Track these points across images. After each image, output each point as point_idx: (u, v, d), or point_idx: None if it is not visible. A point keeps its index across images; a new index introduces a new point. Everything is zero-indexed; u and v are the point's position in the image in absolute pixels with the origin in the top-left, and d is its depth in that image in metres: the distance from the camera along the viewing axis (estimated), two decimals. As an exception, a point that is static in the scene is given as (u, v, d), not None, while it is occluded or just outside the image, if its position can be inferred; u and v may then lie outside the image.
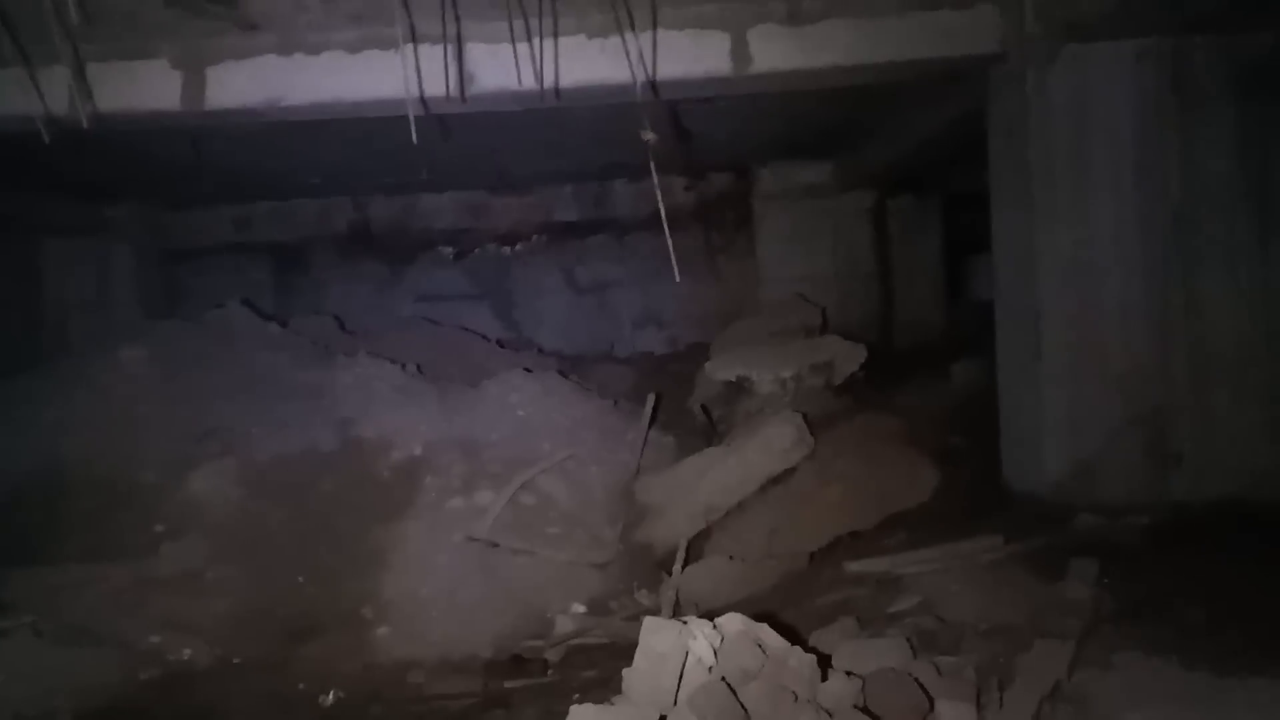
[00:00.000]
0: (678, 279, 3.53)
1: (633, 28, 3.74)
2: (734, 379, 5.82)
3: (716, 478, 4.90)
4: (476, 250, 9.59)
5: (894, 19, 4.23)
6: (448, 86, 3.85)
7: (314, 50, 4.26)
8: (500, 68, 3.93)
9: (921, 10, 4.23)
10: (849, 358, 5.71)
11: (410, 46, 4.09)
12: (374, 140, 6.61)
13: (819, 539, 4.48)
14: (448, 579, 4.41)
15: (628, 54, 3.59)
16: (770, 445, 4.92)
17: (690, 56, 4.15)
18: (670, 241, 3.55)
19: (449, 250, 9.63)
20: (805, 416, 5.10)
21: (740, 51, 4.27)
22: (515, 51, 3.40)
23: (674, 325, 9.16)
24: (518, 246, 9.53)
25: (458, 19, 3.80)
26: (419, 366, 6.41)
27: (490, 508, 4.74)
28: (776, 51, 4.29)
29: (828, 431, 5.10)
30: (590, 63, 4.01)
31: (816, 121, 6.44)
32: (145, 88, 4.27)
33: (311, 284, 9.77)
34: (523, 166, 8.10)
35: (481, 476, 5.00)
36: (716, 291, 8.81)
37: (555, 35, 3.78)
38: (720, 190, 8.81)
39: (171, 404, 5.44)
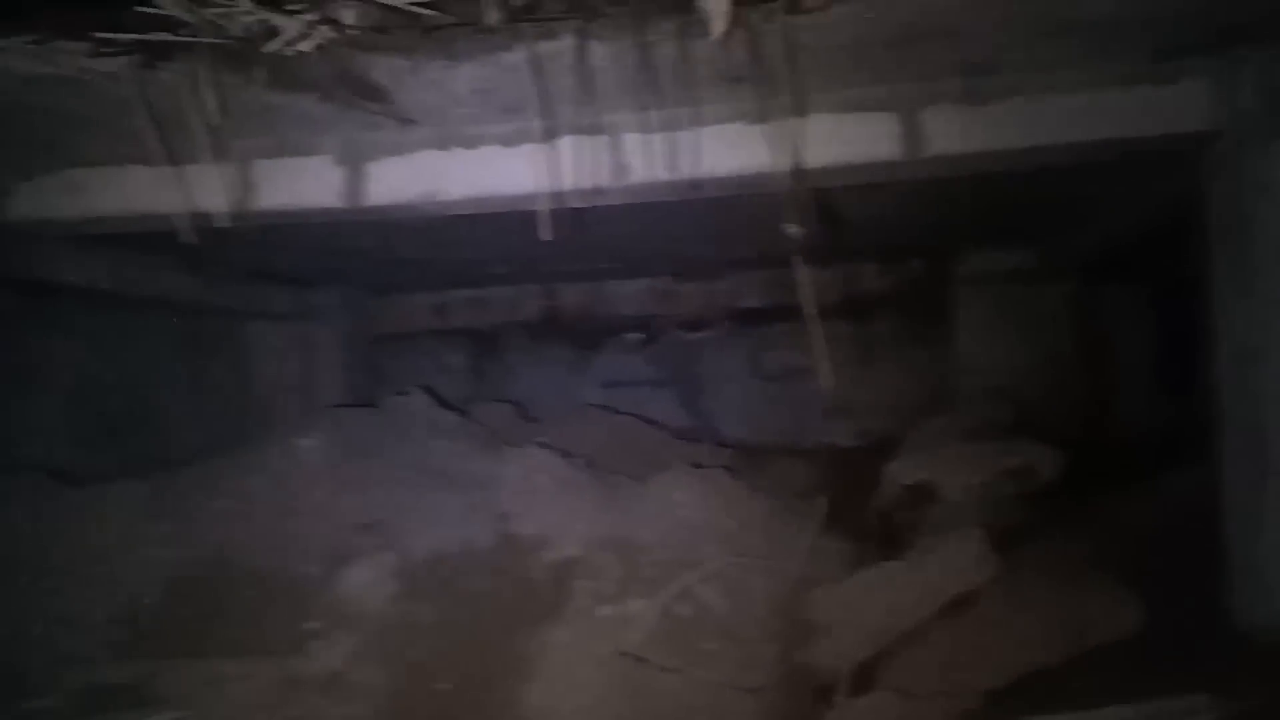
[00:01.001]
0: (824, 382, 3.21)
1: (787, 114, 3.49)
2: (918, 483, 5.35)
3: (890, 596, 4.45)
4: (662, 337, 9.47)
5: (1085, 95, 3.80)
6: (595, 178, 3.71)
7: (470, 144, 4.22)
8: (647, 158, 3.75)
9: (1117, 86, 3.78)
10: (1046, 463, 5.16)
11: (566, 139, 4.01)
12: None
13: (1000, 675, 3.95)
14: (591, 696, 4.15)
15: (780, 141, 3.33)
16: (951, 563, 4.44)
17: (853, 140, 3.86)
18: (823, 336, 3.28)
19: (635, 336, 9.55)
20: (993, 529, 4.59)
21: (912, 134, 3.94)
22: (659, 141, 3.21)
23: (864, 416, 8.69)
24: (704, 333, 9.34)
25: (599, 109, 3.65)
26: (588, 458, 6.26)
27: (641, 618, 4.46)
28: (953, 133, 3.94)
29: (1017, 549, 4.56)
30: (741, 151, 3.77)
31: (1010, 205, 5.97)
32: (309, 184, 4.34)
33: (503, 369, 9.92)
34: (704, 253, 7.95)
35: (636, 581, 4.73)
36: (910, 382, 8.32)
37: (703, 124, 3.57)
38: (914, 276, 8.36)
39: (339, 493, 5.47)
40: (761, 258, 8.20)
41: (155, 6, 3.03)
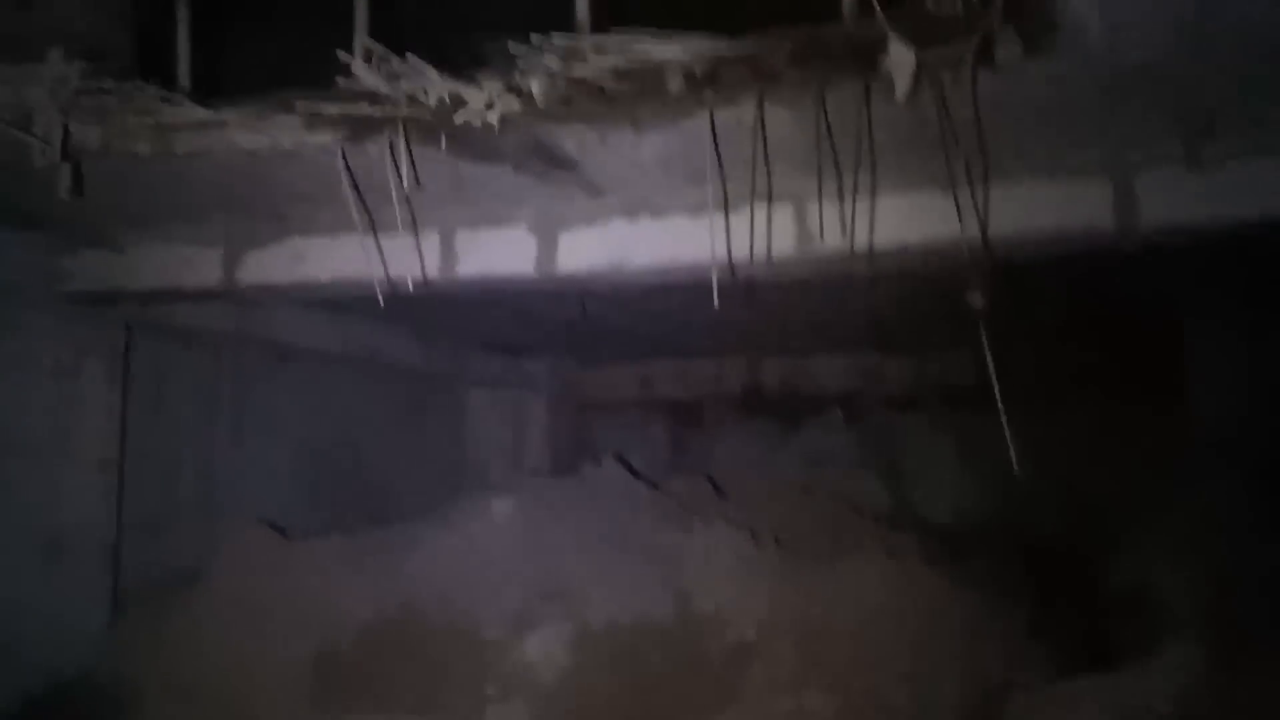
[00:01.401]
0: (1021, 467, 2.96)
1: (978, 178, 3.29)
2: (1134, 583, 4.88)
3: (1099, 711, 4.04)
4: (866, 414, 9.17)
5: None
6: (778, 248, 3.62)
7: (658, 213, 4.22)
8: (829, 226, 3.61)
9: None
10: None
11: (753, 207, 3.94)
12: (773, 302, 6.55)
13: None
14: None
15: (969, 209, 3.14)
16: (1171, 677, 3.99)
17: (1053, 207, 3.60)
18: (1020, 416, 3.04)
19: (838, 413, 9.30)
20: (1222, 640, 4.11)
21: (1125, 202, 3.65)
22: (842, 209, 3.10)
23: (1077, 504, 8.03)
24: (910, 412, 8.98)
25: (783, 176, 3.57)
26: (776, 536, 6.07)
27: (819, 715, 4.23)
28: (1175, 201, 3.62)
29: (1249, 662, 4.05)
30: (926, 219, 3.59)
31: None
32: (504, 253, 4.45)
33: (704, 442, 9.87)
34: (909, 327, 7.67)
35: (816, 672, 4.51)
36: (1131, 465, 7.63)
37: (873, 192, 3.43)
38: (1131, 344, 7.70)
39: (527, 559, 5.52)
40: (961, 333, 7.84)
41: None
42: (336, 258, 4.62)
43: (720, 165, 3.48)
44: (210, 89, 3.93)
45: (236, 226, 4.79)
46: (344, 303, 5.77)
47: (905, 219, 3.64)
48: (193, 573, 5.78)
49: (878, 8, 2.98)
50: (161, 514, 6.03)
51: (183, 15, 3.90)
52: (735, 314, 7.30)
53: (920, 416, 8.91)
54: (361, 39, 3.65)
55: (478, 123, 3.16)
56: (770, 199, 3.80)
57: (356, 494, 7.83)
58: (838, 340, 8.62)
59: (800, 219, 3.83)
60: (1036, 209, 3.62)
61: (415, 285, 4.55)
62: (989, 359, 3.01)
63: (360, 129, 3.52)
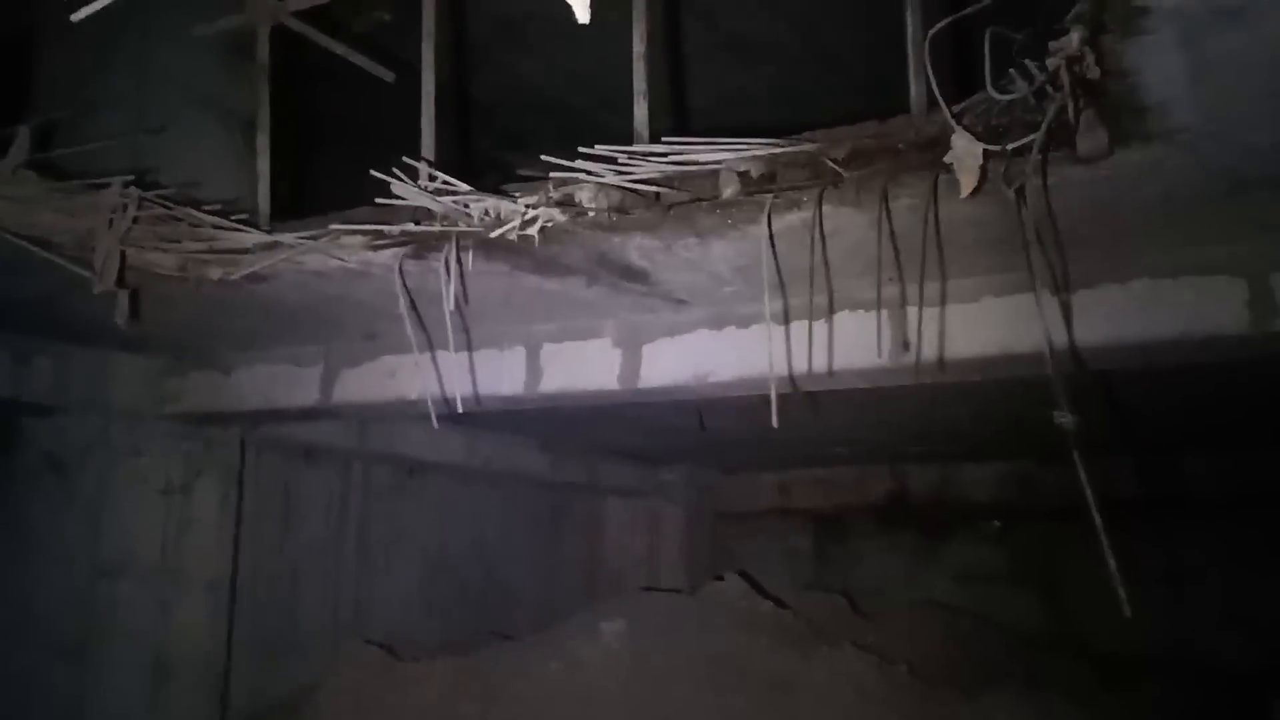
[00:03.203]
0: (1124, 599, 2.56)
1: (1061, 283, 2.94)
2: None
3: None
4: (1021, 527, 8.51)
5: None
6: (830, 359, 3.33)
7: (744, 323, 4.00)
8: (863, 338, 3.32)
9: None
10: None
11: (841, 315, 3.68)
12: (872, 411, 6.22)
13: None
14: None
15: (1051, 315, 2.79)
16: None
17: (1177, 311, 3.19)
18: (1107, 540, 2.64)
19: (991, 525, 8.68)
20: None
21: (1262, 301, 3.20)
22: (880, 319, 2.81)
23: (1266, 630, 7.17)
24: (1070, 523, 8.27)
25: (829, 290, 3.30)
26: (911, 664, 5.59)
27: None
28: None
29: None
30: (1004, 326, 3.23)
31: None
32: (588, 366, 4.31)
33: (847, 553, 9.39)
34: (1063, 432, 7.08)
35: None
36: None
37: (943, 301, 3.11)
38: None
39: (632, 685, 5.24)
40: (1141, 441, 7.23)
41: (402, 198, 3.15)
42: (425, 374, 4.56)
43: (779, 271, 3.24)
44: (290, 212, 4.00)
45: (333, 346, 4.85)
46: (468, 416, 5.74)
47: (993, 325, 3.30)
48: (304, 696, 5.74)
49: (941, 100, 2.74)
50: (280, 634, 6.05)
51: (263, 144, 3.98)
52: (872, 421, 6.96)
53: (1080, 528, 8.20)
54: (427, 154, 3.65)
55: (514, 236, 3.04)
56: (853, 306, 3.52)
57: (488, 608, 7.74)
58: (987, 446, 8.10)
59: (890, 325, 3.52)
60: (1152, 313, 3.21)
61: (501, 401, 4.48)
62: (1085, 481, 2.61)
63: (422, 246, 3.46)
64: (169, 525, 5.21)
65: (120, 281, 3.21)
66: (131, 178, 3.29)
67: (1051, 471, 8.15)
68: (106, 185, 3.21)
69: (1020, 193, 2.71)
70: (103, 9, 4.46)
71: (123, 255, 3.19)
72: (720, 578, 6.84)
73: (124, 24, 4.56)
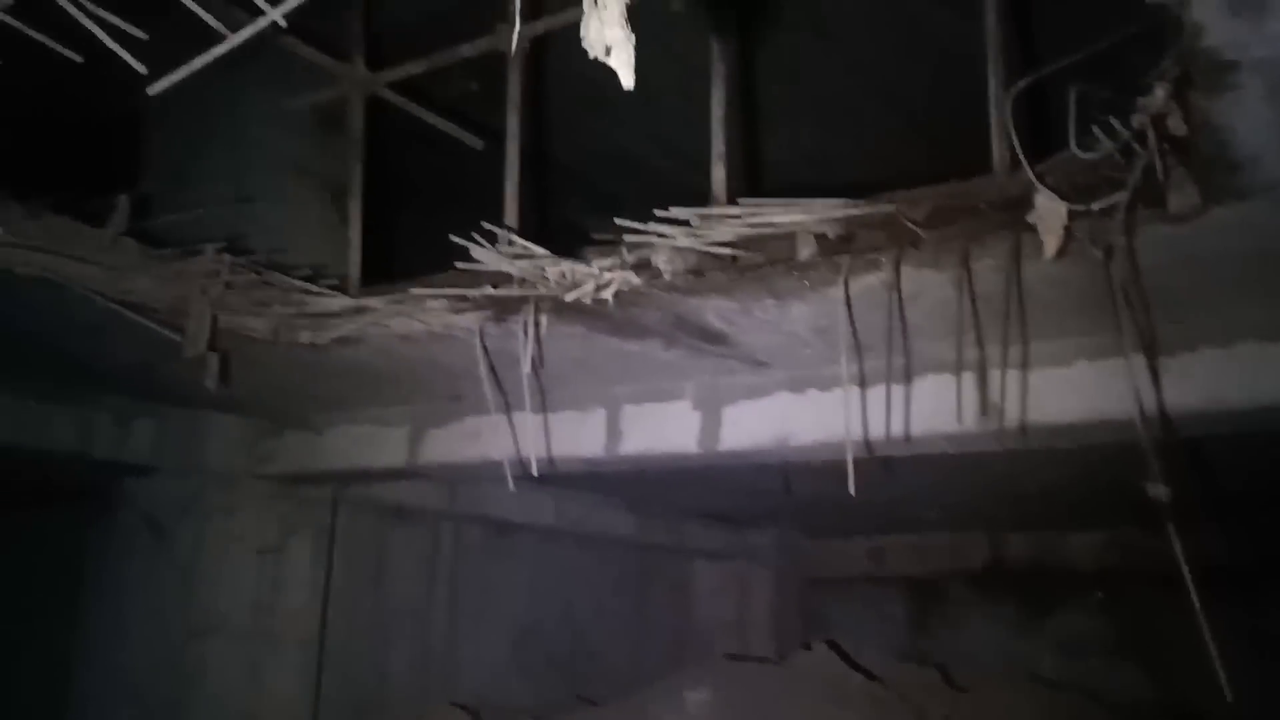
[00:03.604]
0: (1221, 675, 2.42)
1: (1152, 345, 2.82)
2: None
3: None
4: (1128, 595, 8.15)
5: None
6: (907, 423, 3.24)
7: (825, 385, 3.94)
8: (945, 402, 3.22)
9: None
10: None
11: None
12: (965, 475, 6.06)
13: None
14: None
15: (1142, 380, 2.67)
16: None
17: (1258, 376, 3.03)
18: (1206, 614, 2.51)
19: (1094, 594, 8.33)
20: None
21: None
22: (961, 382, 2.72)
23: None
24: (1177, 593, 7.89)
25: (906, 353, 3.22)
26: (1008, 743, 5.36)
27: None
28: None
29: None
30: (1083, 394, 3.11)
31: None
32: (667, 428, 4.28)
33: (945, 623, 9.09)
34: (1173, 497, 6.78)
35: None
36: None
37: (1025, 364, 3.00)
38: None
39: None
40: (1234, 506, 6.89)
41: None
42: (507, 435, 4.59)
43: (856, 333, 3.19)
44: (377, 275, 4.09)
45: (419, 407, 4.91)
46: (555, 477, 5.76)
47: (1083, 390, 3.18)
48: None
49: (1023, 158, 2.68)
50: (369, 695, 6.07)
51: (355, 212, 4.10)
52: (966, 485, 6.77)
53: (1188, 597, 7.82)
54: (509, 219, 3.71)
55: (588, 300, 3.05)
56: (934, 369, 3.44)
57: (575, 671, 7.68)
58: (1088, 512, 7.80)
59: (972, 389, 3.41)
60: (1257, 376, 3.05)
61: (581, 463, 4.48)
62: (1180, 556, 2.48)
63: (501, 309, 3.50)
64: (262, 585, 5.30)
65: (211, 345, 3.30)
66: (223, 244, 3.40)
67: (1156, 538, 7.79)
68: (200, 252, 3.33)
69: (1109, 253, 2.63)
70: (201, 88, 4.67)
71: (214, 320, 3.29)
72: (809, 646, 6.68)
73: (221, 101, 4.79)
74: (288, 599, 5.43)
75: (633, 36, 1.19)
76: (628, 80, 1.21)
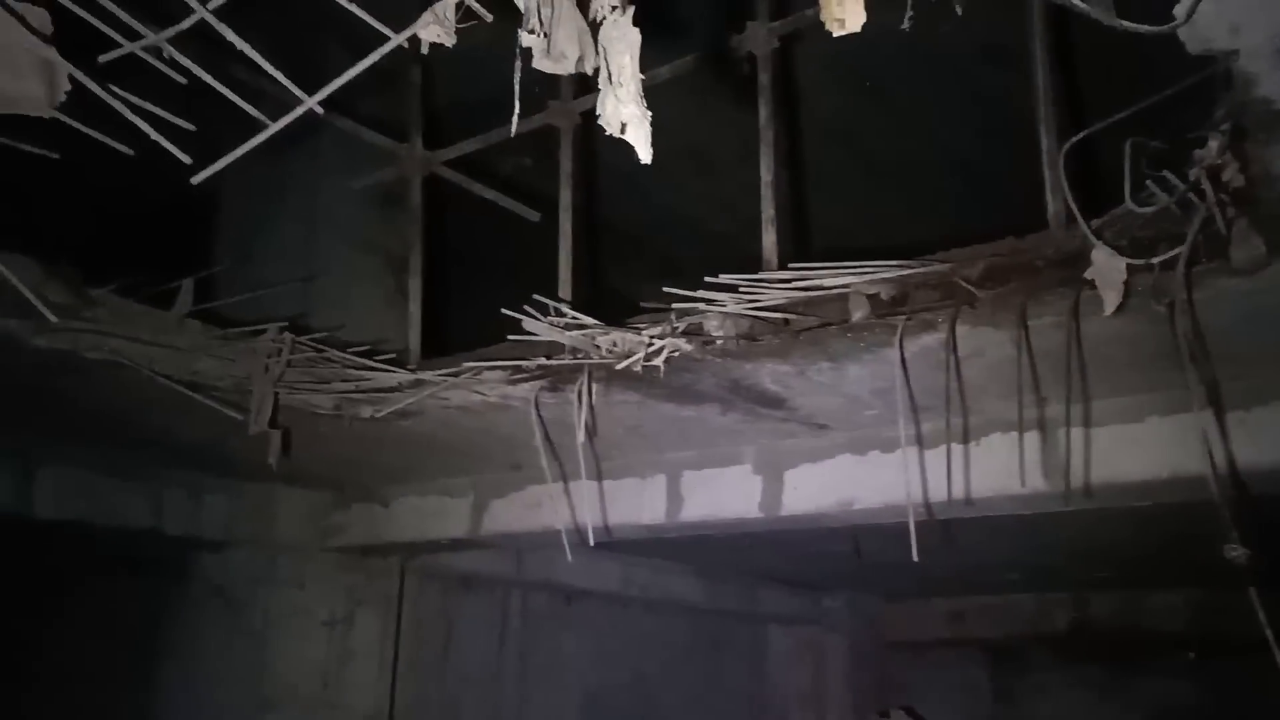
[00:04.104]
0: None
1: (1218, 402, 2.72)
2: None
3: None
4: (1219, 658, 7.81)
5: None
6: (967, 485, 3.16)
7: (888, 447, 3.87)
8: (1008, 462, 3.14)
9: None
10: None
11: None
12: (1039, 536, 5.89)
13: None
14: None
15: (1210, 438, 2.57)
16: None
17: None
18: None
19: (1185, 656, 8.00)
20: None
21: None
22: (1023, 442, 2.65)
23: None
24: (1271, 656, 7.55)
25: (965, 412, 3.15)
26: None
27: None
28: None
29: None
30: (1150, 452, 3.00)
31: None
32: (728, 494, 4.24)
33: (1029, 687, 8.82)
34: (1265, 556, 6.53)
35: None
36: None
37: (1087, 422, 2.91)
38: None
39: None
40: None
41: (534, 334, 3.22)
42: (566, 504, 4.58)
43: (912, 395, 3.13)
44: (435, 347, 4.14)
45: (481, 477, 4.94)
46: (623, 544, 5.73)
47: (1150, 447, 3.08)
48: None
49: (1078, 214, 2.64)
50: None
51: (415, 288, 4.17)
52: (1042, 545, 6.59)
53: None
54: (563, 290, 3.74)
55: (639, 368, 3.05)
56: (996, 428, 3.37)
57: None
58: (1174, 572, 7.53)
59: (1035, 448, 3.33)
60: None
61: (643, 530, 4.46)
62: (1264, 620, 2.36)
63: (557, 379, 3.51)
64: (330, 657, 5.32)
65: (273, 423, 3.36)
66: (285, 323, 3.47)
67: (1247, 599, 7.50)
68: (262, 331, 3.40)
69: (1171, 307, 2.56)
70: (266, 169, 4.82)
71: (276, 397, 3.35)
72: (886, 714, 6.51)
73: (287, 182, 4.94)
74: (356, 671, 5.44)
75: (649, 114, 1.20)
76: (645, 156, 1.22)
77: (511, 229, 4.89)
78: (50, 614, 6.78)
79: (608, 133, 1.22)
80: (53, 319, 2.62)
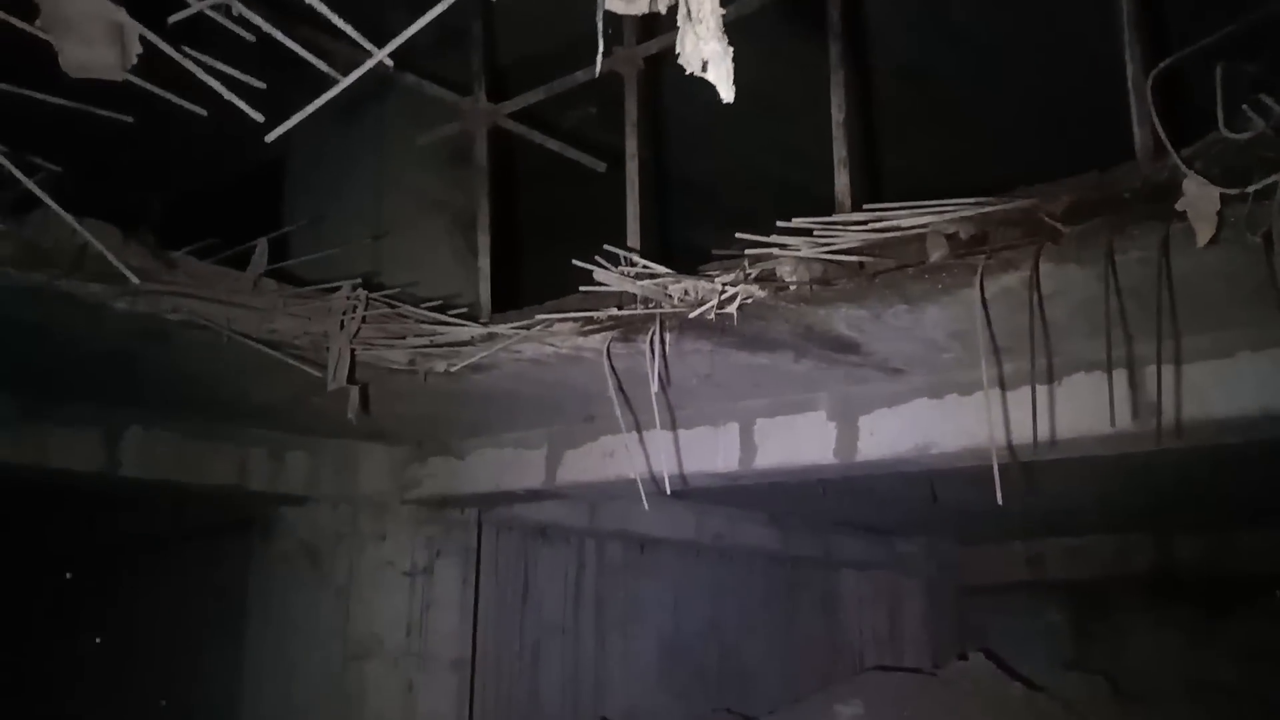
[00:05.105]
0: None
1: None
2: None
3: None
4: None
5: None
6: (1053, 426, 3.08)
7: (966, 390, 3.80)
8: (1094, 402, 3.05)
9: None
10: None
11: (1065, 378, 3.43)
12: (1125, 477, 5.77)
13: None
14: None
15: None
16: None
17: None
18: None
19: (1276, 598, 7.80)
20: None
21: None
22: (1111, 382, 2.57)
23: None
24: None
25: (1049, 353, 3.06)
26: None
27: None
28: None
29: None
30: (1246, 388, 2.89)
31: None
32: (803, 441, 4.21)
33: (1110, 630, 8.67)
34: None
35: None
36: None
37: (1178, 360, 2.81)
38: None
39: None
40: None
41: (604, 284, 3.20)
42: (640, 453, 4.59)
43: (993, 336, 3.06)
44: (508, 304, 4.15)
45: (555, 428, 4.96)
46: (696, 492, 5.74)
47: (1246, 383, 2.98)
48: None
49: (1168, 144, 2.53)
50: (520, 713, 6.15)
51: (484, 243, 4.18)
52: (1128, 486, 6.45)
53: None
54: (632, 240, 3.71)
55: (712, 315, 3.01)
56: (1081, 368, 3.29)
57: (722, 686, 7.63)
58: (1266, 511, 7.33)
59: (1123, 387, 3.24)
60: None
61: (716, 479, 4.45)
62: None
63: (628, 329, 3.50)
64: (413, 607, 5.43)
65: (351, 379, 3.40)
66: (359, 280, 3.50)
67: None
68: (337, 289, 3.43)
69: (1268, 239, 2.45)
70: (339, 132, 4.85)
71: (352, 353, 3.39)
72: (965, 656, 6.47)
73: (359, 143, 4.97)
74: (439, 620, 5.55)
75: (730, 49, 1.16)
76: (727, 94, 1.18)
77: (582, 186, 4.87)
78: (148, 574, 7.04)
79: (688, 72, 1.18)
80: (134, 280, 2.66)
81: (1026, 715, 5.61)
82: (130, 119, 1.99)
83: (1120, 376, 2.96)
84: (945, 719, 5.47)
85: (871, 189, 3.17)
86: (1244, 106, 2.38)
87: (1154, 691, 6.86)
